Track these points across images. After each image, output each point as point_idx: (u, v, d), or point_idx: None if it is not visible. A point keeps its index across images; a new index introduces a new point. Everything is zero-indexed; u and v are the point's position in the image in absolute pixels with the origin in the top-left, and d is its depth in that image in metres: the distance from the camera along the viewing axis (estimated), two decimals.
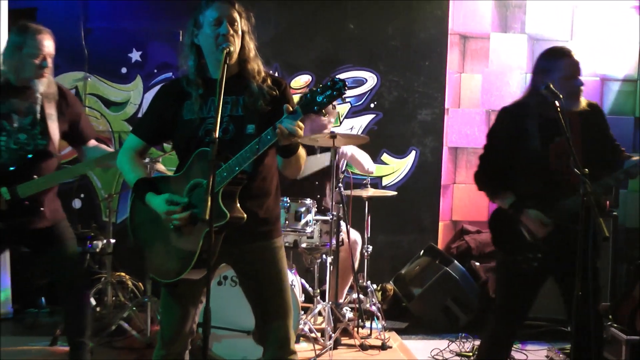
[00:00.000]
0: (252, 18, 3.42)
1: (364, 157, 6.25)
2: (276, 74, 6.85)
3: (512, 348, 5.67)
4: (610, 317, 5.39)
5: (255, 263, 3.40)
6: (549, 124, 4.04)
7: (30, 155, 4.44)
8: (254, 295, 3.46)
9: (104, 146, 4.84)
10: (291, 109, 3.05)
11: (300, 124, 3.05)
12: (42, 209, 4.46)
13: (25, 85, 4.44)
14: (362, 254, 6.21)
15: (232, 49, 3.20)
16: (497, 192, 4.17)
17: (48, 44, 4.45)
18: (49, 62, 4.46)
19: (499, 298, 4.35)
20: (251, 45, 3.40)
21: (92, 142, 4.77)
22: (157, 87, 6.68)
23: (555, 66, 4.01)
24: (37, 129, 4.47)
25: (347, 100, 7.10)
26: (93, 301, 6.10)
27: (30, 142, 4.46)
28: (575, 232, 3.81)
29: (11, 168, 4.40)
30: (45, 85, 4.49)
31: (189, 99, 3.34)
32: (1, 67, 4.49)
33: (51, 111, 4.53)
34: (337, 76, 3.05)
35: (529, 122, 4.08)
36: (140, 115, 6.82)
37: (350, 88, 7.04)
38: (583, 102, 4.03)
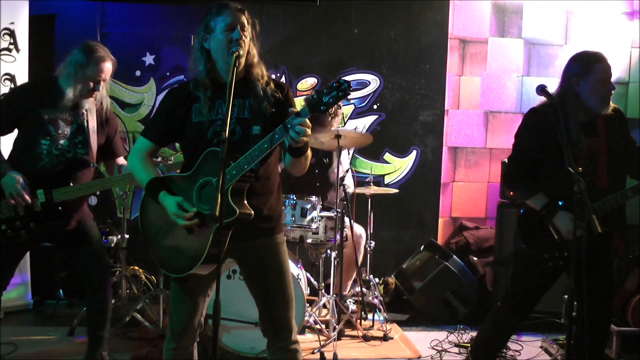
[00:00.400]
0: (257, 26, 3.43)
1: (350, 181, 6.27)
2: (283, 77, 6.93)
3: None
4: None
5: (259, 257, 3.42)
6: (582, 125, 4.02)
7: (68, 162, 4.46)
8: (257, 288, 3.48)
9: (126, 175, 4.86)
10: (298, 110, 3.06)
11: (308, 122, 3.06)
12: (72, 214, 4.48)
13: (73, 99, 4.46)
14: (365, 249, 6.22)
15: (241, 52, 3.22)
16: (529, 193, 4.13)
17: (107, 70, 4.47)
18: (102, 85, 4.48)
19: (515, 289, 4.35)
20: (255, 51, 3.40)
21: (121, 159, 4.80)
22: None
23: (591, 70, 3.99)
24: (79, 138, 4.50)
25: (351, 101, 7.11)
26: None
27: (71, 149, 4.48)
28: (600, 233, 3.71)
29: (47, 174, 4.40)
30: (90, 103, 4.53)
31: (197, 102, 3.34)
32: (60, 76, 4.49)
33: (93, 124, 4.56)
34: (342, 78, 3.06)
35: (563, 122, 4.01)
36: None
37: (354, 90, 7.06)
38: (613, 105, 4.01)
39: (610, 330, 5.05)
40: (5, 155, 4.48)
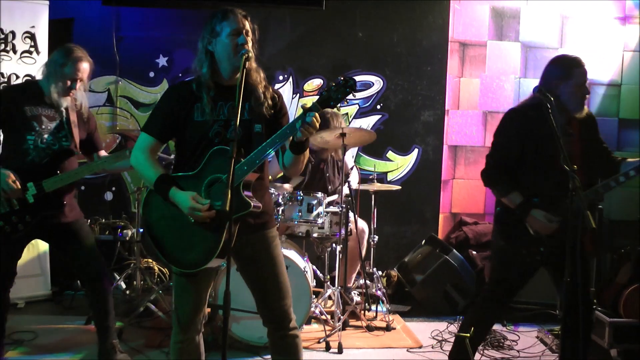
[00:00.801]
0: (257, 32, 3.42)
1: (355, 176, 6.29)
2: (290, 78, 6.94)
3: (505, 329, 5.73)
4: (595, 301, 5.40)
5: (253, 251, 3.43)
6: (559, 126, 4.03)
7: (56, 152, 4.50)
8: (252, 279, 3.50)
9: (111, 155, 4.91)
10: (309, 106, 3.09)
11: (317, 117, 3.09)
12: (64, 202, 4.52)
13: (54, 98, 4.51)
14: (368, 243, 6.22)
15: (251, 55, 3.23)
16: (505, 191, 4.14)
17: (83, 69, 4.52)
18: (78, 84, 4.52)
19: (494, 282, 4.38)
20: (253, 56, 3.42)
21: (103, 152, 4.87)
22: None
23: (571, 74, 4.00)
24: (62, 132, 4.55)
25: (356, 102, 7.11)
26: (123, 285, 6.16)
27: (55, 142, 4.53)
28: (576, 228, 3.80)
29: (35, 166, 4.44)
30: (68, 101, 4.57)
31: (199, 102, 3.34)
32: (41, 77, 4.56)
33: (74, 119, 4.62)
34: (347, 77, 3.09)
35: (540, 123, 4.04)
36: None
37: (358, 91, 7.03)
38: (585, 109, 4.02)
39: (594, 318, 5.09)
40: None
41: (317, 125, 3.09)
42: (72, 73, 4.47)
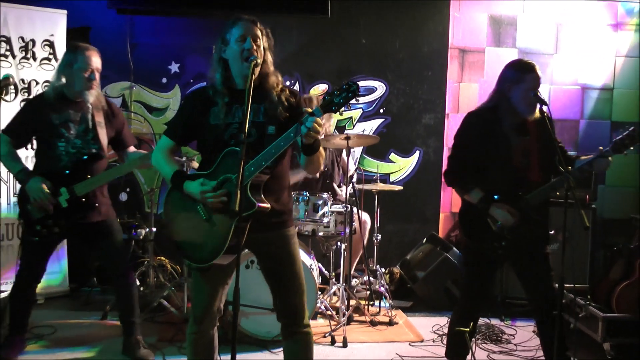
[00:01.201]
0: (271, 36, 3.44)
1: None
2: (297, 83, 6.94)
3: (503, 324, 5.73)
4: (589, 297, 5.41)
5: (272, 248, 3.44)
6: (514, 127, 4.08)
7: (85, 157, 4.54)
8: (271, 275, 3.50)
9: (141, 151, 4.94)
10: (311, 110, 3.08)
11: (320, 121, 3.08)
12: (95, 204, 4.55)
13: (78, 97, 4.54)
14: (372, 242, 6.23)
15: (259, 61, 3.24)
16: (467, 188, 4.17)
17: (95, 60, 4.55)
18: (97, 75, 4.55)
19: (466, 279, 4.43)
20: (271, 60, 3.41)
21: (132, 148, 4.89)
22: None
23: (522, 78, 4.02)
24: (90, 135, 4.58)
25: (360, 106, 7.12)
26: (137, 281, 6.17)
27: (85, 146, 4.55)
28: (535, 222, 4.03)
29: (67, 171, 4.49)
30: (94, 96, 4.59)
31: (215, 106, 3.36)
32: (57, 83, 4.57)
33: (100, 119, 4.63)
34: (350, 82, 3.08)
35: (496, 125, 4.09)
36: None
37: (362, 95, 7.07)
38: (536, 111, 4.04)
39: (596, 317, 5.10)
40: (30, 167, 4.61)
41: (320, 129, 3.09)
42: (85, 64, 4.48)
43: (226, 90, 3.35)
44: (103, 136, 4.63)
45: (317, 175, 6.08)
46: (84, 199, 4.50)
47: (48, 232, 4.49)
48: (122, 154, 4.89)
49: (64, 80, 4.54)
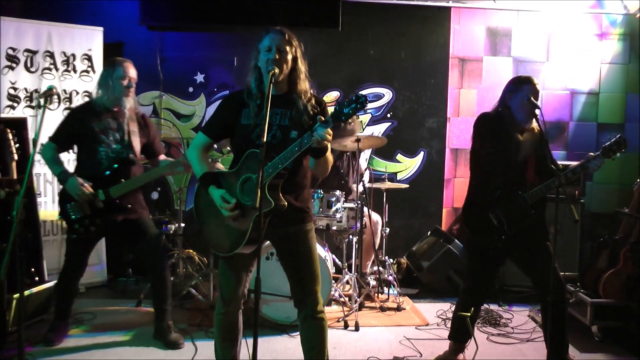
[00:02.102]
0: (302, 46, 3.44)
1: (367, 176, 6.35)
2: (311, 90, 6.93)
3: (501, 309, 5.73)
4: (578, 284, 5.40)
5: (291, 242, 3.47)
6: (516, 130, 4.10)
7: (122, 162, 4.60)
8: (290, 267, 3.53)
9: (170, 159, 4.99)
10: (323, 119, 3.09)
11: (330, 131, 3.09)
12: (129, 205, 4.60)
13: (116, 105, 4.61)
14: (381, 234, 6.23)
15: (276, 71, 3.23)
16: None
17: (132, 71, 4.64)
18: (133, 84, 4.63)
19: (470, 271, 4.46)
20: (302, 69, 3.42)
21: (162, 156, 4.96)
22: (219, 101, 6.86)
23: (520, 89, 4.06)
24: (126, 141, 4.63)
25: (368, 111, 7.11)
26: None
27: (122, 152, 4.60)
28: (533, 218, 4.08)
29: (107, 172, 4.55)
30: (131, 103, 4.66)
31: (247, 108, 3.39)
32: (98, 93, 4.66)
33: (134, 129, 4.70)
34: (360, 92, 3.10)
35: (501, 127, 4.12)
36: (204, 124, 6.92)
37: (371, 101, 7.08)
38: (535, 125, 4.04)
39: (585, 302, 5.09)
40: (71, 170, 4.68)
41: (329, 137, 3.09)
42: (123, 74, 4.57)
43: (259, 93, 3.38)
44: (136, 143, 4.69)
45: (334, 175, 6.12)
46: (117, 201, 4.56)
47: (85, 230, 4.56)
48: (153, 161, 4.95)
49: (103, 91, 4.63)
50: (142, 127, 4.79)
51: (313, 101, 3.43)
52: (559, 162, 4.29)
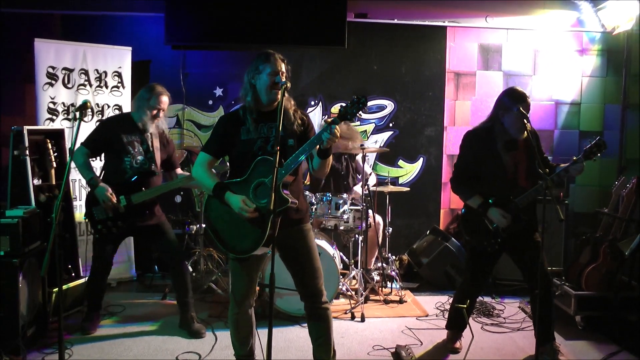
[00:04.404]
0: (290, 70, 3.50)
1: (373, 180, 6.38)
2: (320, 103, 6.97)
3: (494, 301, 5.72)
4: (563, 278, 5.40)
5: (292, 241, 3.50)
6: (506, 143, 4.12)
7: (144, 172, 4.67)
8: (293, 264, 3.57)
9: (186, 173, 5.04)
10: (330, 120, 3.14)
11: (339, 128, 3.14)
12: (147, 212, 4.67)
13: (143, 125, 4.69)
14: (384, 233, 6.24)
15: (289, 85, 3.30)
16: (470, 194, 4.23)
17: (164, 103, 4.73)
18: (161, 114, 4.73)
19: (468, 267, 4.49)
20: (289, 85, 3.47)
21: (178, 170, 5.06)
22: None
23: (514, 107, 4.04)
24: (149, 155, 4.70)
25: (373, 121, 7.12)
26: (190, 269, 6.22)
27: (145, 163, 4.66)
28: (525, 221, 4.12)
29: (132, 180, 4.63)
30: (153, 128, 4.75)
31: (244, 125, 3.43)
32: (131, 109, 4.81)
33: (157, 144, 4.77)
34: (359, 95, 3.15)
35: (492, 142, 4.13)
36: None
37: (374, 112, 7.10)
38: (528, 128, 4.06)
39: (569, 294, 5.11)
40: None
41: (339, 134, 3.14)
42: (155, 104, 4.66)
43: (255, 109, 3.42)
44: (158, 158, 4.77)
45: (334, 177, 6.14)
46: (137, 207, 4.62)
47: (107, 231, 4.63)
48: (170, 174, 5.03)
49: (136, 109, 4.74)
50: (164, 144, 4.90)
51: (299, 112, 3.51)
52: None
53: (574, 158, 4.04)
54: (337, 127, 3.11)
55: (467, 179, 4.25)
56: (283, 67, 3.41)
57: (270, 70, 3.36)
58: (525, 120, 3.96)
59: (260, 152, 3.37)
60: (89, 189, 4.68)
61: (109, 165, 4.79)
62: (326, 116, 6.93)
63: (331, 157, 3.39)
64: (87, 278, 4.99)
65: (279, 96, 3.25)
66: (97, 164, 5.89)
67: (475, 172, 4.22)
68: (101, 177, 4.72)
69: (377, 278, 6.05)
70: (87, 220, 4.75)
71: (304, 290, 3.56)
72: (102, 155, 5.08)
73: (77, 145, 4.36)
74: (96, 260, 4.81)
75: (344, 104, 3.16)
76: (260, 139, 3.39)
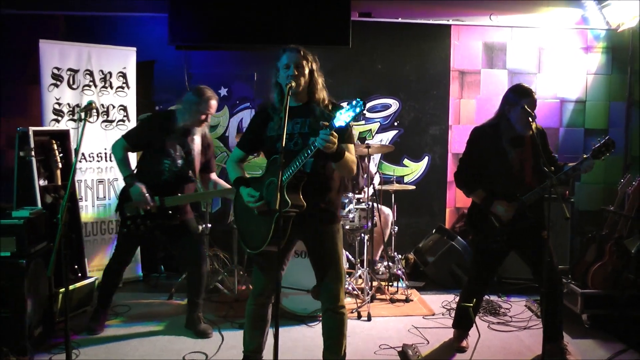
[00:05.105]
0: (317, 59, 3.48)
1: (377, 179, 6.33)
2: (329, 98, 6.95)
3: (500, 300, 5.71)
4: (569, 276, 5.38)
5: (319, 241, 3.50)
6: (512, 140, 4.11)
7: (181, 177, 4.66)
8: (317, 263, 3.55)
9: (222, 181, 4.99)
10: (326, 124, 3.08)
11: (334, 134, 3.08)
12: (178, 215, 4.65)
13: (189, 128, 4.62)
14: (390, 233, 6.23)
15: (293, 85, 3.29)
16: (473, 190, 4.21)
17: (213, 108, 4.65)
18: (209, 118, 4.67)
19: (474, 266, 4.49)
20: (319, 80, 3.47)
21: (214, 175, 4.96)
22: (241, 112, 6.79)
23: (519, 102, 4.03)
24: (189, 159, 4.65)
25: (377, 120, 7.12)
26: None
27: (185, 167, 4.63)
28: (531, 219, 4.10)
29: (165, 184, 4.60)
30: (199, 132, 4.69)
31: (271, 121, 3.45)
32: (177, 110, 4.68)
33: (198, 148, 4.72)
34: (358, 99, 3.06)
35: (498, 138, 4.12)
36: (227, 134, 6.98)
37: (379, 111, 7.09)
38: (534, 126, 4.05)
39: (562, 286, 5.13)
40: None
41: (333, 139, 3.07)
42: (205, 109, 4.59)
43: (281, 107, 3.40)
44: (197, 163, 4.73)
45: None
46: (170, 211, 4.60)
47: (135, 228, 4.61)
48: (205, 178, 4.96)
49: (183, 112, 4.64)
50: (204, 147, 4.82)
51: (330, 107, 3.45)
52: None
53: (584, 156, 4.02)
54: (332, 132, 3.05)
55: (471, 174, 4.25)
56: (300, 59, 3.37)
57: (284, 64, 3.37)
58: (530, 118, 3.94)
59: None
60: (124, 185, 4.67)
61: (147, 163, 4.73)
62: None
63: (349, 156, 3.34)
64: (103, 271, 4.98)
65: (286, 97, 3.23)
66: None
67: (480, 168, 4.21)
68: (137, 175, 4.66)
69: (382, 270, 6.05)
70: (117, 212, 4.76)
71: (324, 291, 3.56)
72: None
73: (82, 145, 4.35)
74: (118, 251, 4.83)
75: (340, 109, 3.05)
76: (285, 135, 3.37)
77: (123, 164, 4.63)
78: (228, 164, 3.67)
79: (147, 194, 4.48)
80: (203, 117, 4.62)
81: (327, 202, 3.46)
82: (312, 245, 3.55)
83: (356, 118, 3.25)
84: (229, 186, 4.82)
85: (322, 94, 3.47)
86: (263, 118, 3.52)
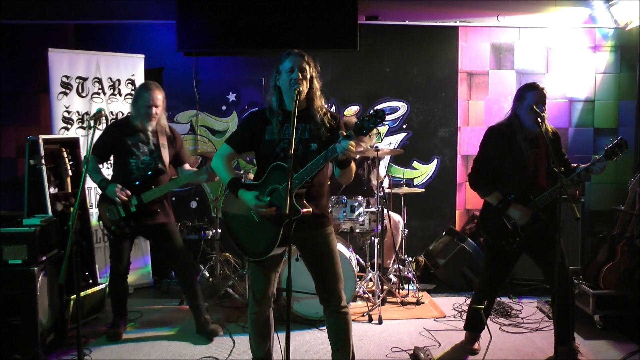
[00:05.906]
0: (318, 66, 3.48)
1: (386, 182, 6.32)
2: (333, 106, 6.97)
3: (511, 302, 5.68)
4: (580, 277, 5.35)
5: (313, 244, 3.49)
6: (527, 140, 4.08)
7: (150, 172, 4.69)
8: (313, 266, 3.55)
9: (193, 168, 5.04)
10: (345, 133, 3.11)
11: (353, 143, 3.10)
12: (158, 210, 4.71)
13: (142, 125, 4.70)
14: (401, 235, 6.22)
15: (301, 89, 3.29)
16: (489, 191, 4.18)
17: (157, 99, 4.68)
18: (154, 110, 4.67)
19: (486, 267, 4.45)
20: (317, 87, 3.46)
21: (187, 166, 5.03)
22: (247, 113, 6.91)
23: (525, 96, 4.03)
24: (155, 154, 4.71)
25: (386, 123, 7.11)
26: (207, 274, 6.24)
27: (152, 162, 4.69)
28: (544, 221, 4.06)
29: (137, 182, 4.64)
30: (152, 126, 4.73)
31: (269, 124, 3.42)
32: (129, 112, 4.85)
33: (164, 142, 4.79)
34: (378, 107, 3.10)
35: (513, 136, 4.10)
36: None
37: (387, 114, 7.08)
38: (549, 127, 4.01)
39: (574, 287, 5.11)
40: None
41: (353, 148, 3.10)
42: (146, 101, 4.64)
43: (280, 111, 3.41)
44: (165, 155, 4.77)
45: (355, 181, 6.12)
46: (148, 206, 4.65)
47: (121, 231, 4.66)
48: (179, 170, 5.02)
49: (133, 111, 4.76)
50: (171, 140, 4.87)
51: (329, 115, 3.46)
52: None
53: (596, 157, 4.00)
54: (350, 142, 3.07)
55: (486, 175, 4.21)
56: (304, 63, 3.37)
57: (288, 68, 3.35)
58: (539, 119, 3.92)
59: (282, 154, 3.35)
60: (100, 193, 4.74)
61: (116, 168, 4.84)
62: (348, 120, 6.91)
63: (353, 165, 3.38)
64: (107, 282, 5.01)
65: (295, 99, 3.24)
66: (107, 171, 5.92)
67: (495, 167, 4.18)
68: (112, 181, 4.74)
69: (394, 280, 6.03)
70: (100, 222, 4.80)
71: (324, 294, 3.55)
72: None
73: None
74: (114, 260, 4.85)
75: (360, 118, 3.10)
76: (283, 140, 3.37)
77: (93, 172, 4.72)
78: (215, 161, 3.57)
79: (123, 190, 4.57)
80: (147, 109, 4.65)
81: (320, 207, 3.48)
82: (309, 250, 3.54)
83: (376, 128, 3.26)
84: (195, 169, 4.92)
85: (321, 100, 3.49)
86: (260, 120, 3.49)
